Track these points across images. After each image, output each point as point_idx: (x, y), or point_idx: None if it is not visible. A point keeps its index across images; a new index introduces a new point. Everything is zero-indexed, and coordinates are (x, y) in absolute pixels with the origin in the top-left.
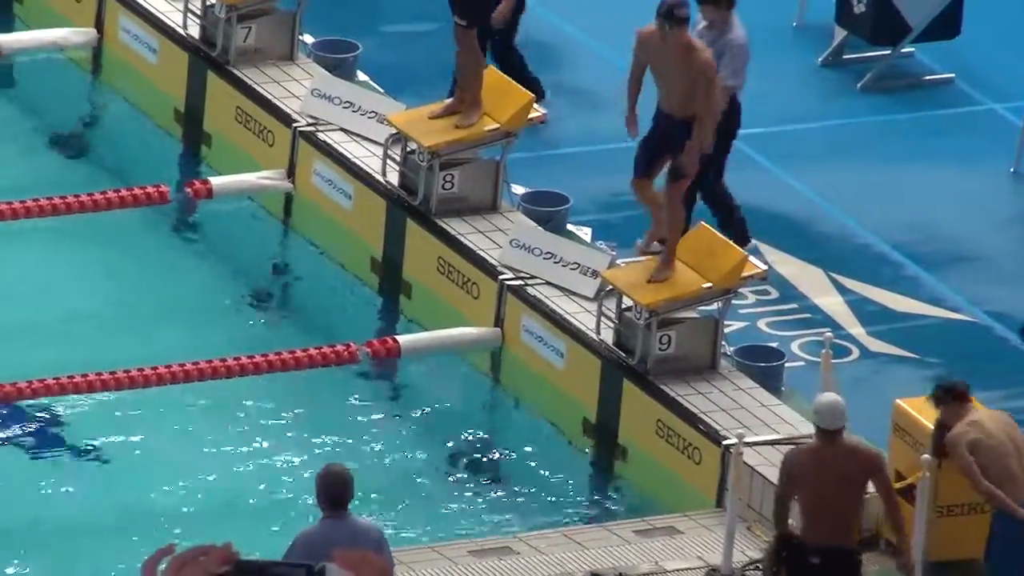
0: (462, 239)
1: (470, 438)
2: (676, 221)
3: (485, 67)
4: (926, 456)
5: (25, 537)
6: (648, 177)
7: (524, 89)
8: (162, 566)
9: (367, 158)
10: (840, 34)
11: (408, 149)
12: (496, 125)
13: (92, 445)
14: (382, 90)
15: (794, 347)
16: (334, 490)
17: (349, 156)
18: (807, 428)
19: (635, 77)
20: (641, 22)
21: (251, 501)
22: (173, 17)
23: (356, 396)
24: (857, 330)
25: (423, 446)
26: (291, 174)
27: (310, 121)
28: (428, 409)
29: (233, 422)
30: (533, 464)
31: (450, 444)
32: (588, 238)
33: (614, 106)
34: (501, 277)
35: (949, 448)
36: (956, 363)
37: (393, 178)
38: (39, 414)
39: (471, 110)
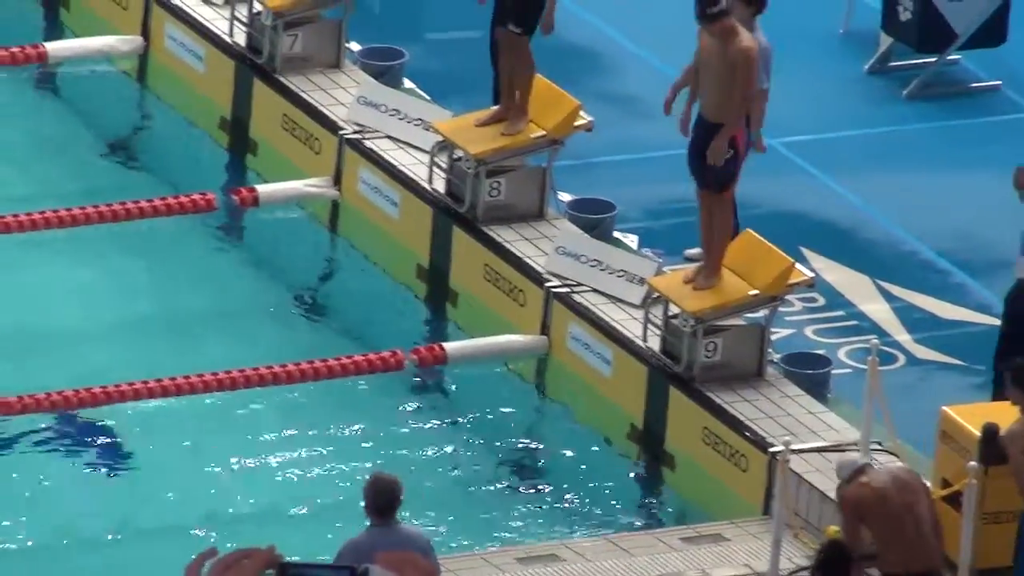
0: (508, 246)
1: (516, 445)
2: (723, 228)
3: (534, 72)
4: (972, 463)
5: (72, 542)
6: (705, 187)
7: (571, 97)
8: (205, 569)
9: (413, 165)
10: (886, 41)
11: (455, 156)
12: (542, 132)
13: (139, 452)
14: (428, 97)
15: (840, 354)
16: (382, 498)
17: (395, 163)
18: (853, 435)
19: (685, 78)
20: (688, 28)
21: (297, 508)
22: (219, 25)
23: (402, 403)
24: (903, 337)
25: (469, 453)
26: (337, 182)
27: (356, 128)
28: (474, 416)
29: (279, 429)
30: (579, 471)
31: (496, 451)
32: (634, 245)
33: (660, 113)
34: (547, 284)
35: (1005, 444)
36: None
37: (439, 185)
38: (88, 422)
39: (518, 117)
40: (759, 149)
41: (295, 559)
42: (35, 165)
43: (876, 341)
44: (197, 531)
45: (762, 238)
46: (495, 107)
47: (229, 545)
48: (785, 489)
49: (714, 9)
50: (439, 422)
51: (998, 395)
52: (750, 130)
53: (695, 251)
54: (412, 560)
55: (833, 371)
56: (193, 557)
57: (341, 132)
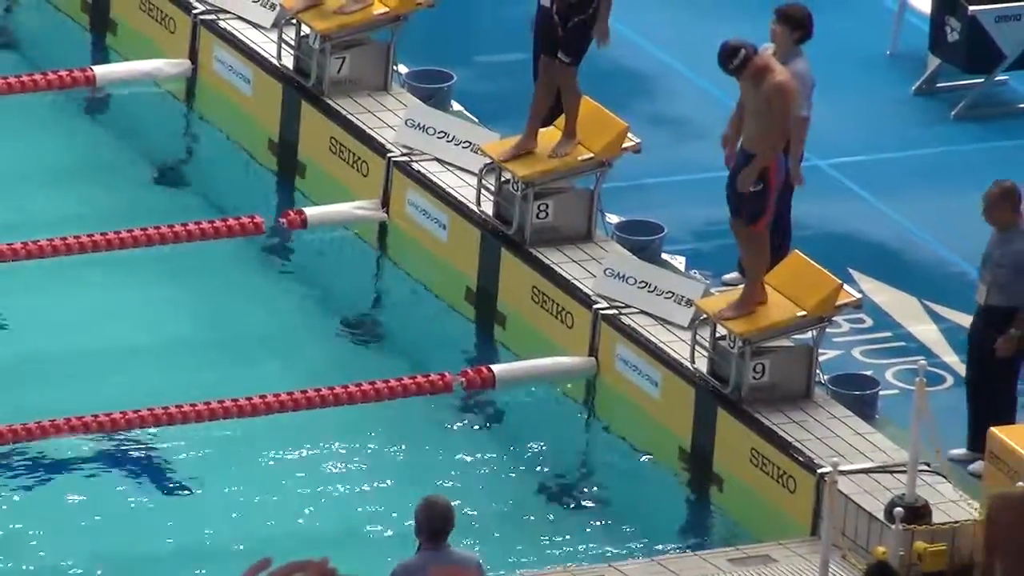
0: (556, 268)
1: (565, 467)
2: (754, 262)
3: (581, 99)
4: (1021, 484)
5: (121, 564)
6: (737, 216)
7: (618, 118)
8: None
9: (461, 188)
10: (934, 62)
11: (503, 179)
12: (590, 154)
13: (189, 475)
14: (476, 120)
15: (888, 375)
16: (436, 522)
17: (443, 186)
18: (901, 456)
19: (737, 115)
20: None
21: (346, 531)
22: (267, 48)
23: (451, 426)
24: (951, 358)
25: (518, 475)
26: (385, 204)
27: (404, 151)
28: (523, 438)
29: (329, 451)
30: (628, 492)
31: (544, 473)
32: (682, 267)
33: (708, 134)
34: (595, 306)
35: None
36: None
37: (488, 208)
38: (136, 444)
39: (566, 140)
40: (797, 182)
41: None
42: (85, 188)
43: (924, 362)
44: (247, 554)
45: (810, 259)
46: (520, 137)
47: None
48: (833, 510)
49: (735, 63)
50: (487, 444)
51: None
52: (789, 162)
53: (732, 275)
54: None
55: (881, 392)
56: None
57: (389, 154)
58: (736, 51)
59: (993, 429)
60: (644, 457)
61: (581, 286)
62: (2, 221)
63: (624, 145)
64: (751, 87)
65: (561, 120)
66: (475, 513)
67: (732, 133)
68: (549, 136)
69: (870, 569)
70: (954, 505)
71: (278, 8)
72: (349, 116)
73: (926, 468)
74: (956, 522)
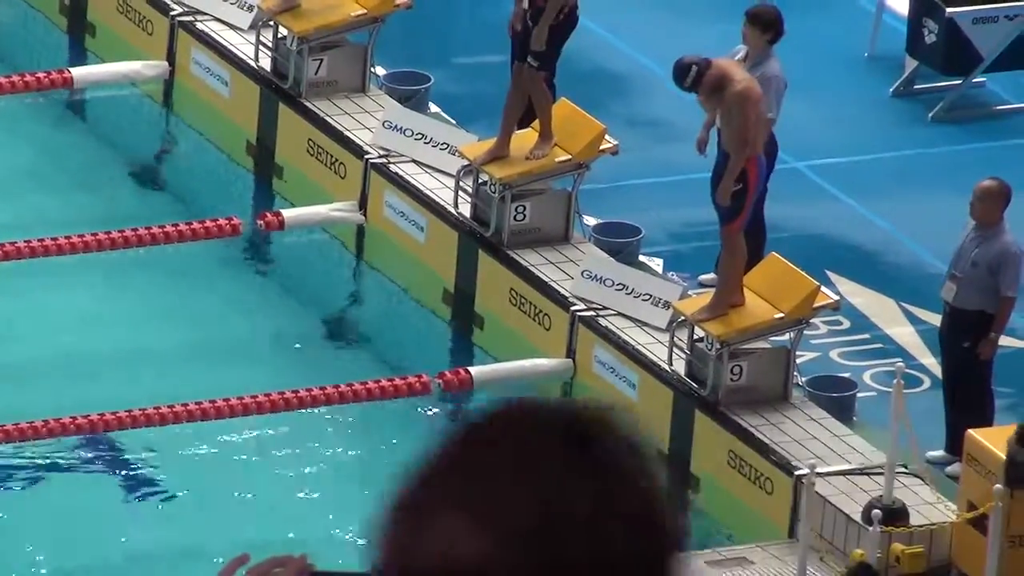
0: (534, 270)
1: None
2: (728, 263)
3: (553, 101)
4: (998, 486)
5: (103, 567)
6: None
7: (596, 120)
8: None
9: (439, 190)
10: (911, 64)
11: (480, 181)
12: (568, 156)
13: (165, 477)
14: (454, 122)
15: (866, 377)
16: None
17: (421, 188)
18: (879, 458)
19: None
20: (714, 52)
21: (324, 532)
22: (245, 49)
23: (429, 428)
24: (929, 360)
25: None
26: (363, 206)
27: (382, 153)
28: None
29: (305, 453)
30: None
31: None
32: (660, 269)
33: (686, 136)
34: (573, 308)
35: None
36: None
37: (465, 210)
38: (113, 446)
39: (543, 142)
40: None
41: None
42: (61, 190)
43: (901, 364)
44: (226, 553)
45: (787, 261)
46: (494, 141)
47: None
48: (810, 512)
49: (688, 81)
50: None
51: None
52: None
53: (710, 276)
54: None
55: (858, 394)
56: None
57: (367, 156)
58: (688, 68)
59: (970, 431)
60: None
61: (559, 288)
62: None
63: (602, 147)
64: (710, 100)
65: (537, 122)
66: None
67: (705, 135)
68: (526, 138)
69: (852, 571)
70: (931, 507)
71: (255, 10)
72: (326, 118)
73: (903, 470)
74: (934, 524)
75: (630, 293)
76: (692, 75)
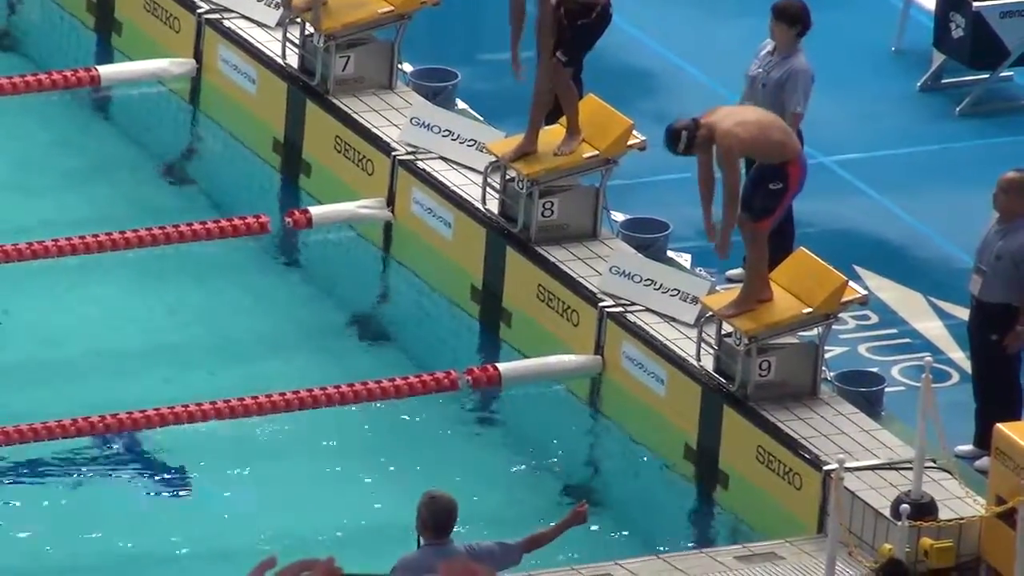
0: (562, 266)
1: (571, 465)
2: (754, 262)
3: (579, 97)
4: None
5: (125, 564)
6: (746, 209)
7: (623, 116)
8: None
9: (466, 186)
10: (938, 59)
11: (508, 177)
12: (595, 152)
13: (194, 475)
14: (481, 118)
15: (894, 372)
16: (440, 517)
17: (448, 184)
18: (907, 453)
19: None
20: (741, 47)
21: (352, 530)
22: (272, 47)
23: (456, 424)
24: (957, 355)
25: (523, 473)
26: (390, 203)
27: (409, 150)
28: (529, 436)
29: (334, 450)
30: (633, 490)
31: (550, 471)
32: (688, 264)
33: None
34: (601, 304)
35: None
36: None
37: (493, 206)
38: (143, 444)
39: (571, 138)
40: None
41: (355, 572)
42: (89, 188)
43: (929, 359)
44: (254, 554)
45: (815, 256)
46: (521, 138)
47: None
48: (839, 507)
49: (681, 148)
50: (493, 443)
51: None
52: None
53: (737, 271)
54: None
55: (887, 389)
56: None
57: (394, 153)
58: (678, 134)
59: (999, 425)
60: (650, 454)
61: (587, 284)
62: (7, 222)
63: (629, 143)
64: (705, 154)
65: (565, 118)
66: (480, 511)
67: (705, 198)
68: (553, 134)
69: (881, 566)
70: (960, 502)
71: (282, 7)
72: (354, 115)
73: (932, 464)
74: (962, 518)
75: (658, 289)
76: (684, 140)
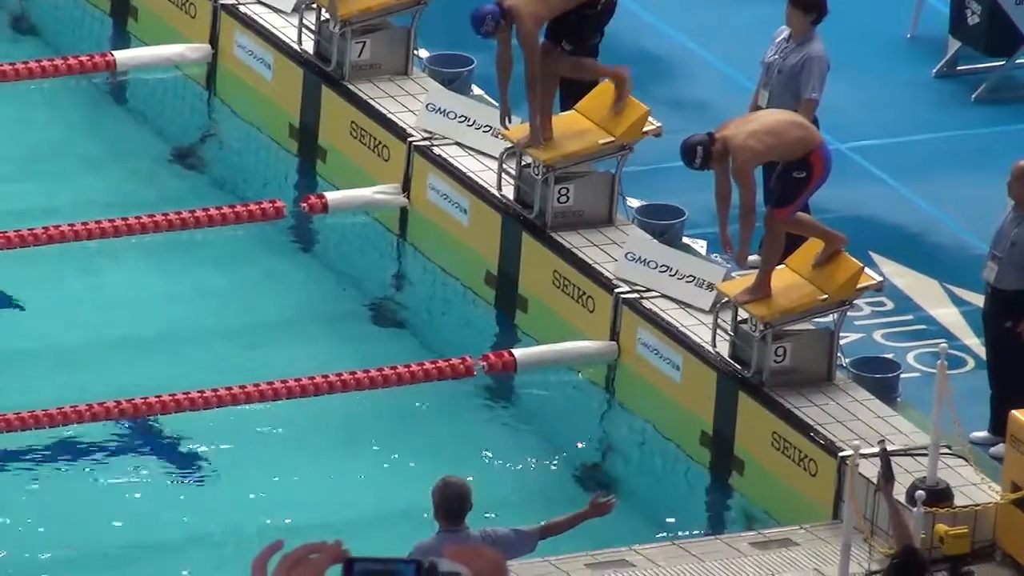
0: (577, 252)
1: (586, 451)
2: (770, 248)
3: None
4: None
5: (143, 547)
6: (768, 196)
7: (639, 102)
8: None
9: (482, 172)
10: (954, 45)
11: (523, 163)
12: (611, 138)
13: (209, 460)
14: (497, 104)
15: (909, 358)
16: (454, 503)
17: (464, 170)
18: (922, 439)
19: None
20: (758, 34)
21: (365, 515)
22: (287, 32)
23: (472, 410)
24: (972, 341)
25: (538, 459)
26: (406, 188)
27: (425, 135)
28: (544, 422)
29: (348, 436)
30: (648, 476)
31: (565, 457)
32: (703, 251)
33: (730, 118)
34: (616, 290)
35: None
36: None
37: (508, 192)
38: (158, 430)
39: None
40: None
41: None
42: (105, 174)
43: (945, 345)
44: (262, 540)
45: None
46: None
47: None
48: (854, 493)
49: (697, 163)
50: (508, 428)
51: (998, 427)
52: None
53: (753, 257)
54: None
55: (902, 375)
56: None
57: (410, 139)
58: (694, 149)
59: (1014, 412)
60: (666, 441)
61: (602, 270)
62: (22, 207)
63: (645, 129)
64: (722, 166)
65: (582, 104)
66: (495, 497)
67: (722, 211)
68: (568, 120)
69: (896, 553)
70: (976, 488)
71: None
72: (370, 101)
73: (947, 451)
74: (977, 505)
75: (674, 275)
76: (700, 155)
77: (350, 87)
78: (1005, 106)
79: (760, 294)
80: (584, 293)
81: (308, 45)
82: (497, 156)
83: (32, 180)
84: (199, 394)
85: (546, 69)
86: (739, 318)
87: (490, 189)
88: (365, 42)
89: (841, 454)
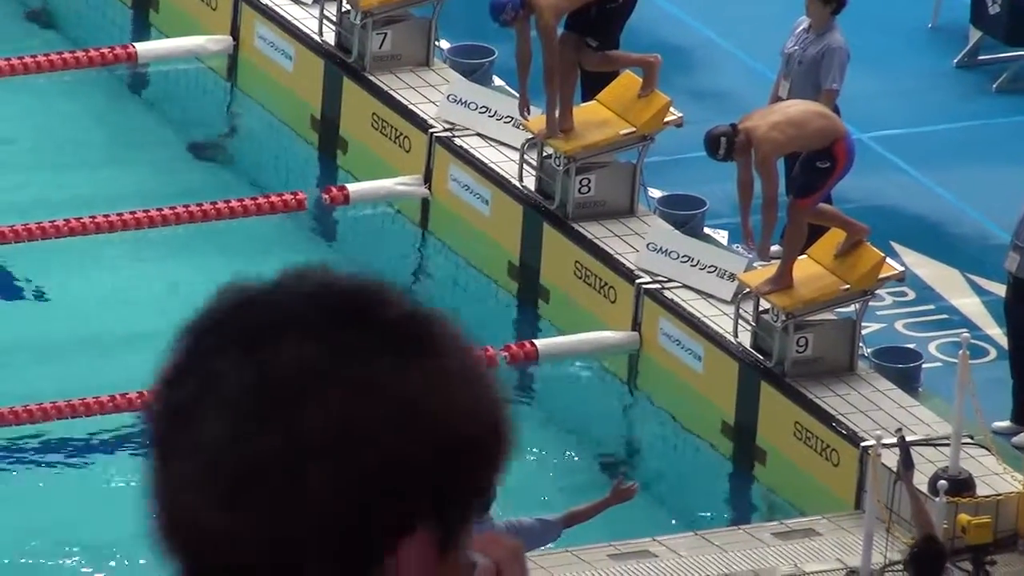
0: (599, 243)
1: (608, 442)
2: (791, 239)
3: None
4: None
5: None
6: (790, 186)
7: (661, 93)
8: None
9: (503, 163)
10: (975, 35)
11: (545, 154)
12: (633, 128)
13: None
14: (518, 95)
15: (931, 348)
16: None
17: (486, 161)
18: (944, 429)
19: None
20: (778, 24)
21: None
22: (309, 24)
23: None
24: (994, 331)
25: (560, 450)
26: (428, 180)
27: (446, 126)
28: (566, 413)
29: None
30: (670, 467)
31: (587, 447)
32: (725, 241)
33: (750, 108)
34: (638, 281)
35: None
36: None
37: (530, 183)
38: None
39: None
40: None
41: None
42: (126, 166)
43: (967, 335)
44: None
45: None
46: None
47: None
48: (877, 483)
49: (721, 154)
50: (530, 419)
51: (1020, 417)
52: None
53: (775, 248)
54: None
55: (924, 365)
56: None
57: (431, 130)
58: (717, 140)
59: None
60: (687, 431)
61: (624, 261)
62: (43, 199)
63: (666, 119)
64: (745, 157)
65: (603, 94)
66: (517, 488)
67: (744, 202)
68: (589, 111)
69: (918, 543)
70: (998, 478)
71: None
72: (391, 92)
73: (969, 441)
74: (1000, 495)
75: (695, 265)
76: (724, 146)
77: (371, 78)
78: None
79: (782, 284)
80: (606, 284)
81: (329, 36)
82: (518, 147)
83: (52, 173)
84: None
85: (565, 60)
86: (761, 308)
87: (512, 180)
88: (386, 33)
89: (863, 444)
